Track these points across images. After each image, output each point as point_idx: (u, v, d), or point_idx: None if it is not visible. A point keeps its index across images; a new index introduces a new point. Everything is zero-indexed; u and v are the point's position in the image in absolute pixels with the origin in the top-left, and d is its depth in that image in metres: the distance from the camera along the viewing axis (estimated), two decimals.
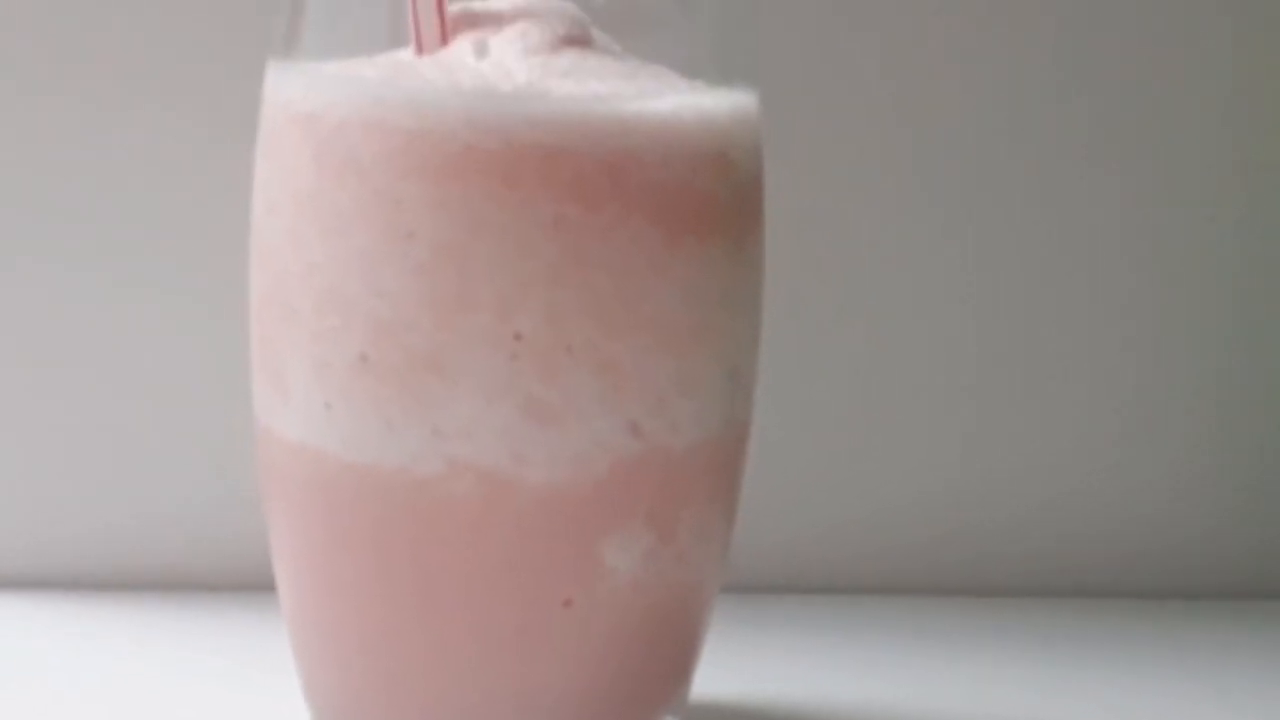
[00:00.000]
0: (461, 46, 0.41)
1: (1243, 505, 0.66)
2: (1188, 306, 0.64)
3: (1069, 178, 0.63)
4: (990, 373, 0.64)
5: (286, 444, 0.41)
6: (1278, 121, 0.64)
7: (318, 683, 0.44)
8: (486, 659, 0.41)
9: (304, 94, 0.40)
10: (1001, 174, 0.62)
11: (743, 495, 0.46)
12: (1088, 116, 0.63)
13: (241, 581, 0.56)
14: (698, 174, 0.40)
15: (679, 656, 0.45)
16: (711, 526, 0.43)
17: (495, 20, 0.41)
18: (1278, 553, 0.66)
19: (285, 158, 0.41)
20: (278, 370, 0.41)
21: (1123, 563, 0.65)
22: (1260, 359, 0.65)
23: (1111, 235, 0.63)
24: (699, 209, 0.40)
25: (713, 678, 0.50)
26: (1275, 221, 0.64)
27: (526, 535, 0.40)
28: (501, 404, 0.39)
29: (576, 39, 0.41)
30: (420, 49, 0.41)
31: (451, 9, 0.41)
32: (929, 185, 0.62)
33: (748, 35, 0.45)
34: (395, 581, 0.41)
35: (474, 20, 0.41)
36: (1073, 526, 0.65)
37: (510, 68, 0.40)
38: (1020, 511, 0.64)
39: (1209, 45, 0.63)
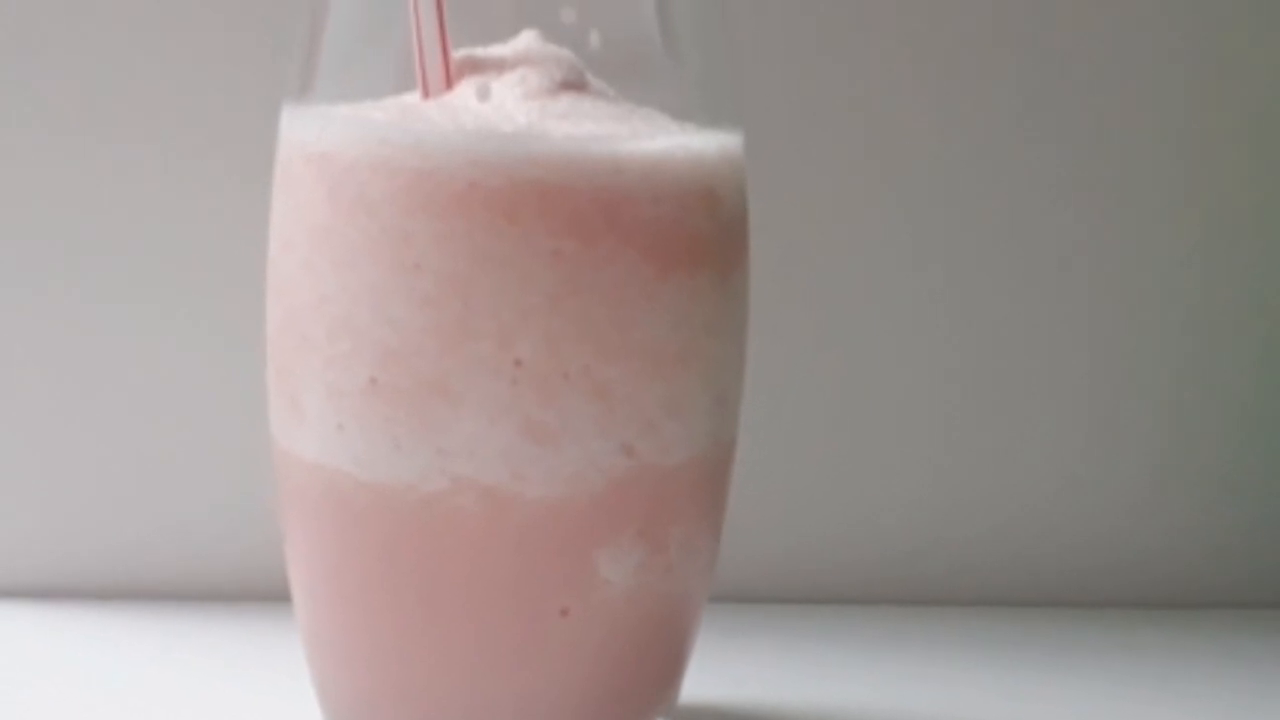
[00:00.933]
0: (465, 90, 0.41)
1: (1195, 521, 0.66)
2: (1145, 338, 0.64)
3: (1034, 215, 0.63)
4: (961, 396, 0.64)
5: (302, 463, 0.41)
6: (1231, 158, 0.64)
7: (330, 686, 0.44)
8: (489, 664, 0.41)
9: (317, 136, 0.40)
10: (970, 211, 0.62)
11: (729, 510, 0.46)
12: (1051, 155, 0.63)
13: (259, 591, 0.56)
14: (687, 210, 0.40)
15: (669, 662, 0.45)
16: (699, 540, 0.44)
17: (497, 66, 0.41)
18: (1228, 565, 0.66)
19: (300, 195, 0.41)
20: (293, 394, 0.41)
21: (1085, 574, 0.65)
22: (1210, 387, 0.65)
23: (1073, 270, 0.63)
24: (688, 243, 0.41)
25: (701, 682, 0.50)
26: (1224, 262, 0.65)
27: (526, 548, 0.40)
28: (502, 425, 0.39)
29: (573, 84, 0.41)
30: (426, 93, 0.41)
31: (455, 55, 0.41)
32: (903, 220, 0.62)
33: (733, 81, 0.45)
34: (403, 591, 0.41)
35: (477, 65, 0.41)
36: (1039, 540, 0.65)
37: (511, 110, 0.40)
38: (989, 526, 0.64)
39: (1165, 89, 0.63)
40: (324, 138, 0.40)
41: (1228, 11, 0.63)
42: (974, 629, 0.62)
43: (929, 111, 0.62)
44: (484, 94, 0.41)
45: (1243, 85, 0.64)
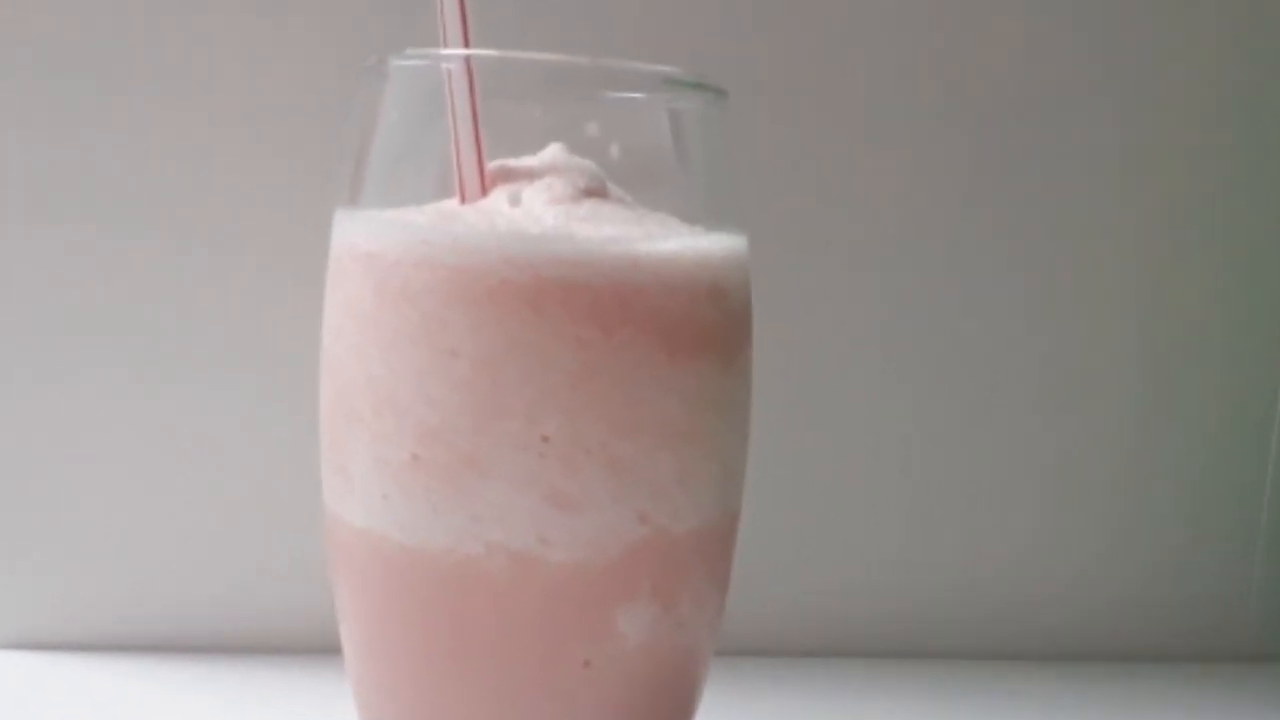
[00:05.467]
0: (498, 196, 0.40)
1: (1138, 587, 0.66)
2: (1090, 427, 0.65)
3: (1004, 316, 0.63)
4: (933, 476, 0.64)
5: (351, 528, 0.41)
6: (1177, 275, 0.65)
7: None
8: (518, 711, 0.40)
9: (365, 237, 0.40)
10: (948, 309, 0.63)
11: (733, 572, 0.45)
12: (1021, 261, 0.63)
13: (313, 644, 0.56)
14: (696, 303, 0.40)
15: (680, 709, 0.44)
16: (707, 599, 0.43)
17: (526, 174, 0.41)
18: (1175, 622, 0.66)
19: (350, 289, 0.40)
20: (343, 466, 0.41)
21: (1039, 631, 0.65)
22: (1154, 471, 0.66)
23: (1023, 371, 0.64)
24: (696, 332, 0.40)
25: None
26: (1163, 364, 0.65)
27: (551, 606, 0.39)
28: (530, 495, 0.38)
29: (594, 190, 0.41)
30: (464, 198, 0.41)
31: (490, 165, 0.41)
32: (888, 314, 0.62)
33: (738, 188, 0.44)
34: (440, 644, 0.40)
35: (509, 175, 0.41)
36: (997, 601, 0.65)
37: (539, 214, 0.40)
38: (964, 587, 0.64)
39: (1123, 225, 0.64)
40: (372, 238, 0.40)
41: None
42: (951, 678, 0.62)
43: (911, 218, 0.62)
44: (515, 200, 0.40)
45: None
